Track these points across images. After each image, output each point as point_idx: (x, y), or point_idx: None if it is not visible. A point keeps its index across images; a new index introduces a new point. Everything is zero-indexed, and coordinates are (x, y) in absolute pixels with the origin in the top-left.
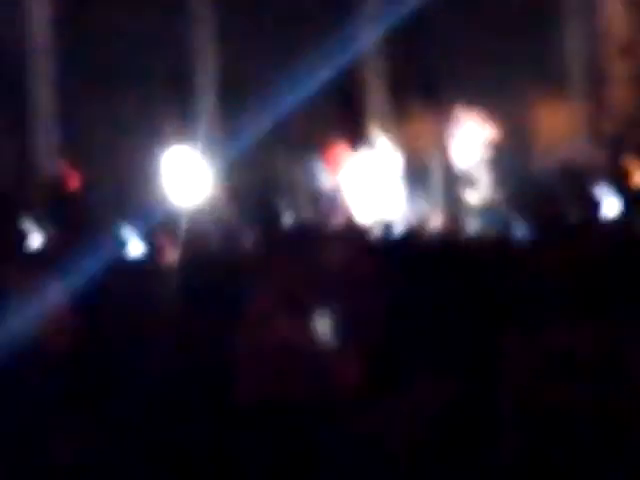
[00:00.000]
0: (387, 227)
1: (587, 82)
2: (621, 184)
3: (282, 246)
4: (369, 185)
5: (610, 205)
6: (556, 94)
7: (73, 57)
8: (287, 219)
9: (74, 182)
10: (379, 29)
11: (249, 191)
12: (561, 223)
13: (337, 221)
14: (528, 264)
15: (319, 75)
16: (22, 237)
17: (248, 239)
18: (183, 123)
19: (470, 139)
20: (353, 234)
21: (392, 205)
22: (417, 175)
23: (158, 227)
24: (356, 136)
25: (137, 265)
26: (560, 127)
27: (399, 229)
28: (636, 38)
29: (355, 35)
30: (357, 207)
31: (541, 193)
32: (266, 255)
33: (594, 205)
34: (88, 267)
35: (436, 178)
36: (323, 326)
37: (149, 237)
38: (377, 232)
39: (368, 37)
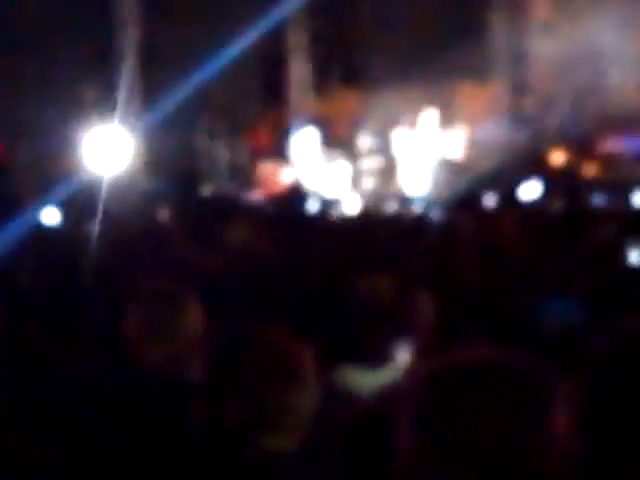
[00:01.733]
0: (324, 203)
1: (508, 63)
2: (541, 165)
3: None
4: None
5: (529, 187)
6: (479, 76)
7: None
8: (206, 190)
9: None
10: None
11: (169, 160)
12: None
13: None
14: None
15: (242, 45)
16: None
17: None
18: (105, 92)
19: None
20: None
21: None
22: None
23: (79, 195)
24: (279, 112)
25: (54, 232)
26: (482, 108)
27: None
28: (557, 18)
29: (279, 5)
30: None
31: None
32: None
33: (511, 188)
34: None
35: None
36: None
37: (67, 205)
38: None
39: (292, 8)
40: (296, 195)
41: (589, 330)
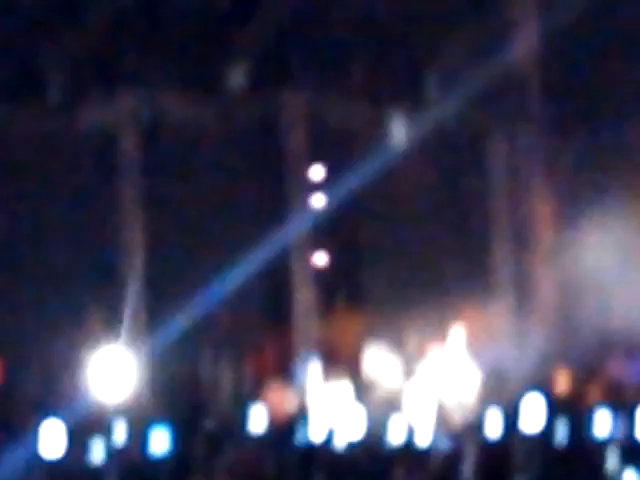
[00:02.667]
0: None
1: (514, 287)
2: (547, 392)
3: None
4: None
5: (535, 413)
6: (484, 297)
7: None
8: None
9: None
10: (308, 225)
11: (173, 387)
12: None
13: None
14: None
15: (247, 269)
16: None
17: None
18: (110, 318)
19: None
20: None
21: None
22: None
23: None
24: (284, 336)
25: (59, 465)
26: (484, 332)
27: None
28: (561, 243)
29: (283, 235)
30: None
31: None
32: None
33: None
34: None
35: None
36: None
37: (73, 434)
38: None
39: (296, 236)
40: (301, 422)
41: None
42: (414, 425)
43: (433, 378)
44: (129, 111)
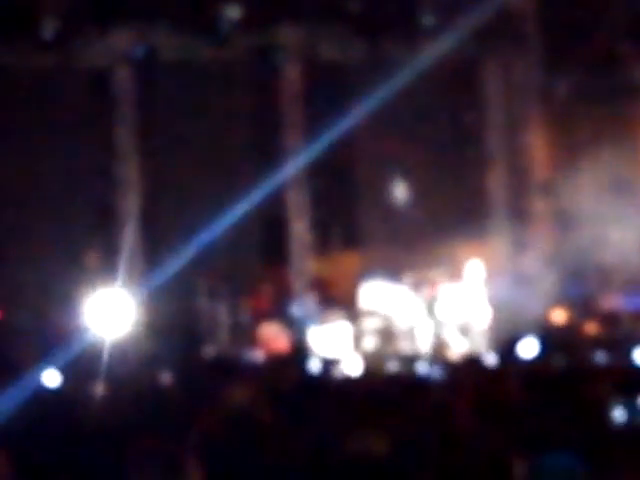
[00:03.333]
0: (326, 363)
1: (509, 220)
2: (545, 328)
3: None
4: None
5: (529, 345)
6: (478, 235)
7: None
8: (207, 352)
9: None
10: (302, 164)
11: (170, 322)
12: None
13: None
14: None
15: (243, 206)
16: None
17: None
18: (106, 255)
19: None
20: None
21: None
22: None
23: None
24: (280, 273)
25: (55, 394)
26: (483, 268)
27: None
28: (556, 176)
29: (279, 169)
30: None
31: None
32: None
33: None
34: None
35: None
36: None
37: (68, 367)
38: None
39: (291, 172)
40: (297, 355)
41: None
42: (410, 356)
43: (433, 312)
44: (123, 48)
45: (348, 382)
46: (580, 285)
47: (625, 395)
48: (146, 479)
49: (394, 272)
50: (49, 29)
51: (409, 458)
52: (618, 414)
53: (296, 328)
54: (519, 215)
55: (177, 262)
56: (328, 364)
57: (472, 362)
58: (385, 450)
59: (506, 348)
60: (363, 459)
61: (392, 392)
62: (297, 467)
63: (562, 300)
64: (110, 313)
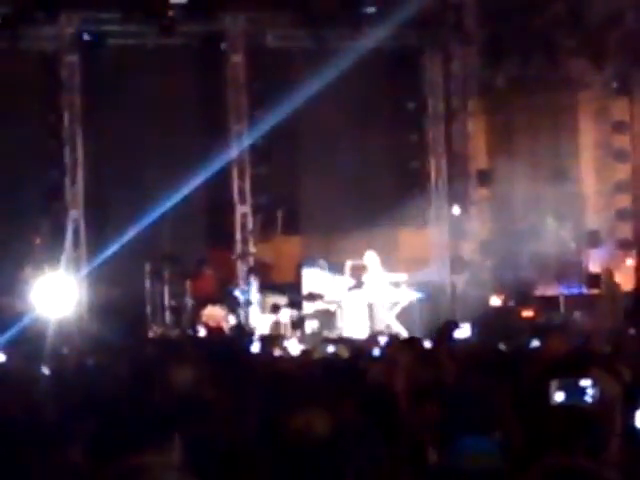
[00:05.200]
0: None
1: (447, 208)
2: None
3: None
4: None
5: (466, 327)
6: (419, 221)
7: None
8: (151, 333)
9: None
10: (246, 150)
11: (115, 304)
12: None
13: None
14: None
15: (188, 191)
16: None
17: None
18: (52, 237)
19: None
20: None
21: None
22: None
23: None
24: (224, 257)
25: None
26: (423, 253)
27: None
28: (494, 164)
29: (224, 154)
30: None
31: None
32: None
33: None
34: None
35: None
36: None
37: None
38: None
39: (235, 157)
40: (239, 335)
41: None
42: (349, 338)
43: (371, 295)
44: (71, 33)
45: (288, 362)
46: (516, 271)
47: (563, 376)
48: None
49: (334, 257)
50: None
51: (349, 439)
52: (557, 395)
53: (239, 310)
54: (457, 201)
55: (123, 245)
56: (269, 345)
57: (408, 343)
58: (326, 430)
59: (443, 331)
60: (305, 438)
61: (331, 373)
62: (241, 443)
63: (498, 286)
64: (56, 295)
